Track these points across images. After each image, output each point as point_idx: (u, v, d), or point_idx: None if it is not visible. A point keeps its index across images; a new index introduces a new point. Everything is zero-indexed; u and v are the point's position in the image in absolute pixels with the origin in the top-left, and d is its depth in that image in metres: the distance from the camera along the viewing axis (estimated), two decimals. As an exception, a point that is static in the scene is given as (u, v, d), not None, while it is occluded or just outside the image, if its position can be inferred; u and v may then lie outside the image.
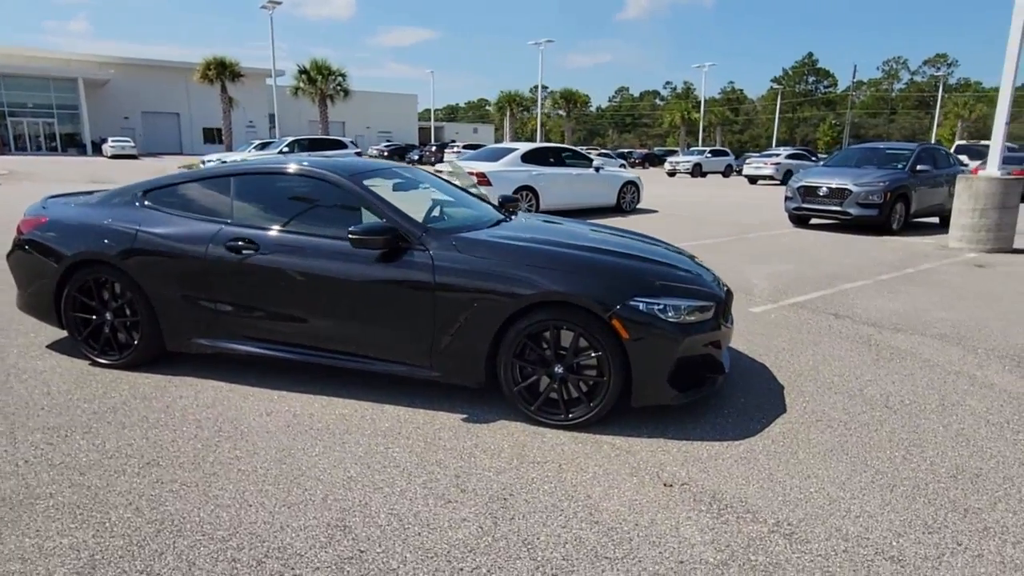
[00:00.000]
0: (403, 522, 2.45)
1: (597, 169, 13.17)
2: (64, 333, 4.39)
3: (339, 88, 35.32)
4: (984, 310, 5.87)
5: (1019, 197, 8.83)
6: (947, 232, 9.93)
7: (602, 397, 3.21)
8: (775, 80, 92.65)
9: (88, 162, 35.10)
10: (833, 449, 3.13)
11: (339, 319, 3.51)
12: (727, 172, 36.33)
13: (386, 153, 39.88)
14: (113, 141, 41.55)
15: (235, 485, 2.67)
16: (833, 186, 10.87)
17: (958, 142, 25.29)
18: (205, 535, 2.33)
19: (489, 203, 4.72)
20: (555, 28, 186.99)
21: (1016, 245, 9.16)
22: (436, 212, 4.16)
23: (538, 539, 2.37)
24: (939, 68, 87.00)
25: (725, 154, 38.43)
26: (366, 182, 3.70)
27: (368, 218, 3.53)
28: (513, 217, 4.33)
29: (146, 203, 3.91)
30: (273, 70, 35.74)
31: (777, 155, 29.69)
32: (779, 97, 69.93)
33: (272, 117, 51.25)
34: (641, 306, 3.15)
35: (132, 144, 41.87)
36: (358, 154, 24.51)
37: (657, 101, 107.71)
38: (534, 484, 2.76)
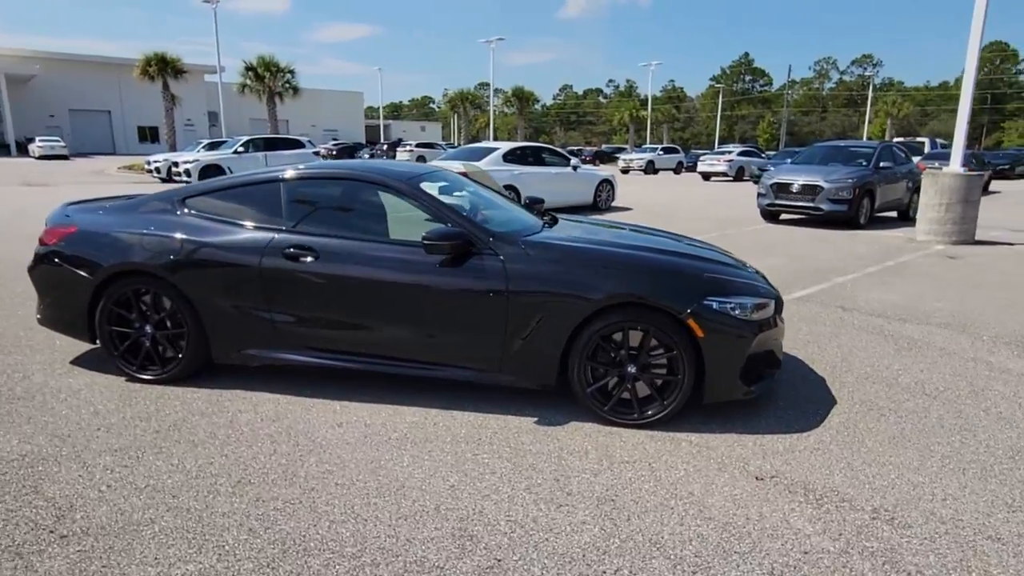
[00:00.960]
0: (525, 528, 2.45)
1: (575, 168, 13.32)
2: (86, 347, 4.17)
3: (288, 85, 34.32)
4: (972, 299, 6.25)
5: (980, 192, 9.45)
6: (908, 225, 10.51)
7: (676, 395, 3.28)
8: (714, 79, 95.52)
9: (15, 163, 33.01)
10: (895, 437, 3.29)
11: (405, 325, 3.45)
12: (678, 169, 37.28)
13: (335, 152, 38.83)
14: (41, 141, 39.19)
15: (340, 500, 2.61)
16: (805, 183, 11.32)
17: (896, 140, 26.68)
18: (334, 553, 2.27)
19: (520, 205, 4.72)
20: (496, 26, 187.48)
21: (977, 237, 9.78)
22: (479, 216, 4.13)
23: (662, 538, 2.42)
24: (866, 68, 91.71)
25: (676, 151, 39.51)
26: (421, 186, 3.66)
27: (432, 224, 3.48)
28: (547, 218, 4.32)
29: (187, 210, 3.74)
30: (219, 66, 34.51)
31: (730, 152, 30.66)
32: (720, 96, 72.06)
33: (212, 115, 49.41)
34: (714, 305, 3.24)
35: (63, 144, 39.61)
36: (316, 154, 23.95)
37: (600, 99, 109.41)
38: (633, 484, 2.80)
